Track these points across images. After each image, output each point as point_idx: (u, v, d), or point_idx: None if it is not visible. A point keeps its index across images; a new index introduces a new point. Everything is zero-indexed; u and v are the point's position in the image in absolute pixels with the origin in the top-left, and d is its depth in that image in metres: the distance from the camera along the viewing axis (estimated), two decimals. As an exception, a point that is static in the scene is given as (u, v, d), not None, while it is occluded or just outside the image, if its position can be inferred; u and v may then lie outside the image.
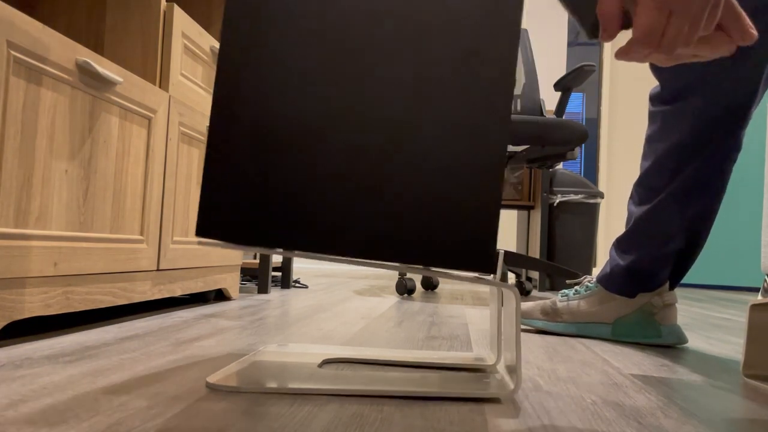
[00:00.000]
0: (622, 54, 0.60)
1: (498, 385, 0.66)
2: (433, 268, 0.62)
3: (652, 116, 1.10)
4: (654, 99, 1.10)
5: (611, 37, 0.59)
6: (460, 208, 0.62)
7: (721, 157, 1.04)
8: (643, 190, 1.11)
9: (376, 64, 0.61)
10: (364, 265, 0.62)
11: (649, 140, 1.10)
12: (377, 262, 0.62)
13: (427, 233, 0.62)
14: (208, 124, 1.37)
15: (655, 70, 1.08)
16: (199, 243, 0.57)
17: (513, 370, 0.66)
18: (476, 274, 0.84)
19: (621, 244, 1.13)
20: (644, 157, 1.11)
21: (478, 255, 0.62)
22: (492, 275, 0.64)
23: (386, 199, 0.61)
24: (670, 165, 1.06)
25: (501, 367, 0.78)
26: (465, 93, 0.62)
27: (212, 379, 0.63)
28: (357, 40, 0.61)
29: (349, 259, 0.61)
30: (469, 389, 0.64)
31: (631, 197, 1.14)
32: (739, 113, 1.01)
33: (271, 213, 0.59)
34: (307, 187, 0.60)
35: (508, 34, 0.62)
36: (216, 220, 0.58)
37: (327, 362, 0.77)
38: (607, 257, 1.09)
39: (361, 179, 0.61)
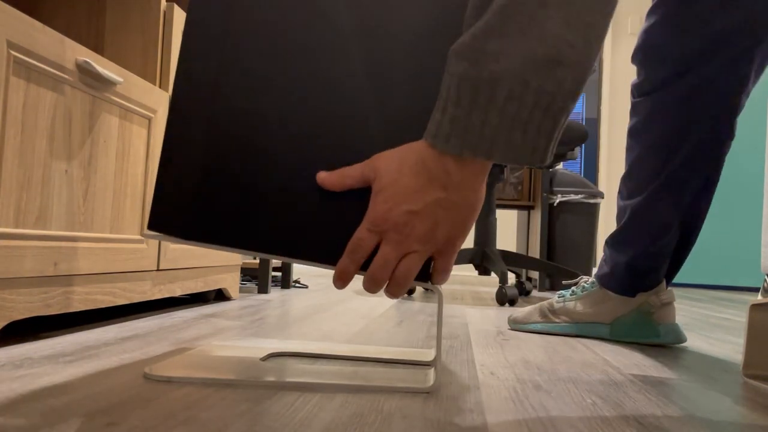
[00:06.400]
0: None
1: (424, 380, 0.68)
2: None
3: (635, 107, 1.08)
4: (636, 90, 1.08)
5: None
6: None
7: (712, 143, 1.02)
8: (632, 183, 1.08)
9: (332, 62, 0.60)
10: (310, 265, 0.62)
11: (633, 132, 1.08)
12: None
13: None
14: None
15: (637, 62, 1.07)
16: (143, 235, 0.58)
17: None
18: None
19: (616, 240, 1.11)
20: (629, 149, 1.09)
21: None
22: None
23: (340, 200, 0.60)
24: (659, 154, 1.04)
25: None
26: (423, 88, 0.61)
27: (149, 370, 0.65)
28: (313, 37, 0.60)
29: (300, 260, 0.61)
30: (391, 382, 0.66)
31: (619, 192, 1.12)
32: (726, 100, 1.00)
33: (224, 212, 0.59)
34: (259, 186, 0.60)
35: None
36: (169, 216, 0.58)
37: (272, 356, 0.79)
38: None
39: (314, 179, 0.60)
